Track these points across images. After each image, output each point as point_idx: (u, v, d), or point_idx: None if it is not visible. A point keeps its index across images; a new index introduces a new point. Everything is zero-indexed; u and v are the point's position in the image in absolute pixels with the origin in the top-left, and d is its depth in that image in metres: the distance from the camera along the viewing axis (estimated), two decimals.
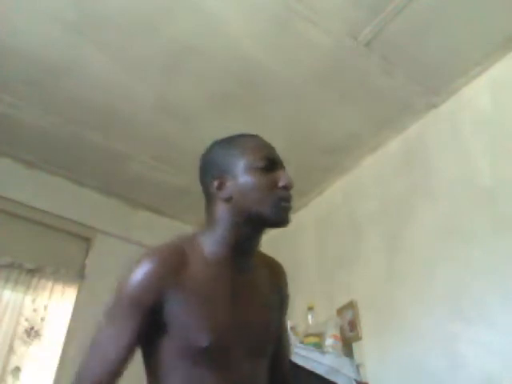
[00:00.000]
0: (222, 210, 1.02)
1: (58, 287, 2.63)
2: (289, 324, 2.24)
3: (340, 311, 2.46)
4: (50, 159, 2.81)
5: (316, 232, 2.95)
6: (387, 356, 2.18)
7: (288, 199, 1.02)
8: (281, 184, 1.01)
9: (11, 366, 2.32)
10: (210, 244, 1.01)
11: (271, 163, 1.04)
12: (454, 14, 2.00)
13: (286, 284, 1.17)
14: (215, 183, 1.03)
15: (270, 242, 3.26)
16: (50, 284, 2.61)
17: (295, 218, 3.20)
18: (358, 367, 2.23)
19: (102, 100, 2.42)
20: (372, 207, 2.59)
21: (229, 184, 1.02)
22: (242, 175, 1.02)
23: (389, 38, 2.10)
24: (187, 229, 3.32)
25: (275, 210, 0.99)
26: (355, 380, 2.15)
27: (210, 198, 1.06)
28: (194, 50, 2.17)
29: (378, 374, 2.18)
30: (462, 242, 2.05)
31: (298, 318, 2.46)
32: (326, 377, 2.07)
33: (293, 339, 2.15)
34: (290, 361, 1.72)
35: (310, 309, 2.47)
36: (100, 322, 0.97)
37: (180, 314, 0.92)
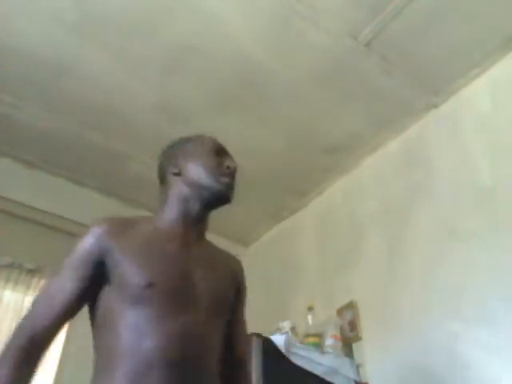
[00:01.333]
0: (172, 185, 1.16)
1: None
2: (288, 324, 2.24)
3: (340, 311, 2.46)
4: (50, 159, 2.81)
5: (316, 232, 2.95)
6: (387, 356, 2.17)
7: (232, 176, 1.17)
8: (226, 163, 1.18)
9: None
10: (161, 218, 1.13)
11: (218, 150, 1.21)
12: (454, 14, 2.00)
13: (243, 276, 1.24)
14: (170, 164, 1.19)
15: (270, 242, 3.28)
16: None
17: (295, 218, 3.20)
18: (357, 367, 2.22)
19: (102, 100, 2.42)
20: (372, 207, 2.59)
21: (181, 163, 1.18)
22: (192, 156, 1.18)
23: (389, 38, 2.10)
24: None
25: (220, 184, 1.14)
26: (355, 380, 2.15)
27: (163, 181, 1.21)
28: (193, 50, 2.18)
29: (377, 374, 2.18)
30: (462, 242, 2.05)
31: (298, 318, 2.45)
32: (326, 377, 2.07)
33: (293, 339, 2.15)
34: (290, 361, 1.73)
35: (310, 309, 2.46)
36: (50, 276, 1.06)
37: (121, 262, 1.00)
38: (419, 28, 2.07)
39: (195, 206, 1.14)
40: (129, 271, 0.99)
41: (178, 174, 1.16)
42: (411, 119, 2.51)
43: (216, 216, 1.22)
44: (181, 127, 2.51)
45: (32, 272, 2.56)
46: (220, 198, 1.16)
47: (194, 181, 1.15)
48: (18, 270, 2.52)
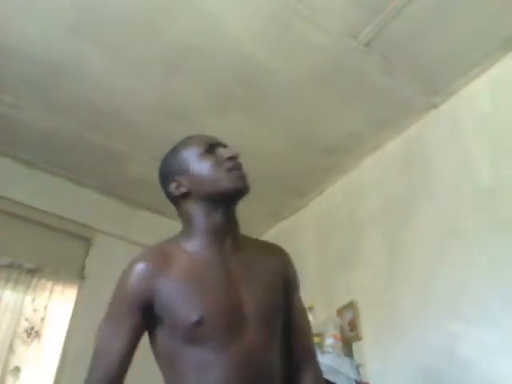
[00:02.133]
0: (187, 207, 1.10)
1: (58, 287, 2.63)
2: None
3: (340, 311, 2.46)
4: (50, 159, 2.81)
5: (316, 232, 2.95)
6: (387, 356, 2.17)
7: (237, 167, 1.10)
8: (226, 156, 1.10)
9: (11, 365, 2.32)
10: (190, 242, 1.07)
11: (211, 145, 1.14)
12: (454, 14, 2.00)
13: (289, 263, 1.18)
14: (173, 186, 1.11)
15: (271, 241, 3.27)
16: (49, 284, 2.60)
17: (295, 218, 3.20)
18: (357, 367, 2.22)
19: (101, 100, 2.42)
20: (372, 207, 2.59)
21: (183, 181, 1.10)
22: (189, 169, 1.11)
23: (389, 38, 2.10)
24: None
25: (229, 182, 1.07)
26: (355, 380, 2.15)
27: (175, 203, 1.14)
28: (194, 50, 2.17)
29: (378, 374, 2.18)
30: (462, 241, 2.05)
31: None
32: (326, 377, 2.07)
33: None
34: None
35: (310, 309, 2.46)
36: (99, 326, 1.03)
37: (169, 302, 0.98)
38: (419, 28, 2.06)
39: (218, 216, 1.08)
40: (177, 311, 0.97)
41: (186, 195, 1.10)
42: (411, 119, 2.51)
43: None
44: (181, 127, 2.50)
45: (32, 272, 2.55)
46: (237, 193, 1.10)
47: (204, 193, 1.08)
48: (17, 270, 2.52)
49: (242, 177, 1.10)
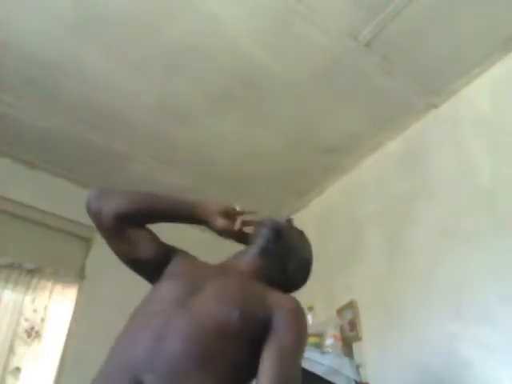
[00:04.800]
0: None
1: (58, 287, 2.62)
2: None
3: (340, 311, 2.46)
4: (50, 159, 2.81)
5: (316, 232, 2.94)
6: (387, 356, 2.17)
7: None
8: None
9: (11, 366, 2.31)
10: None
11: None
12: (454, 14, 2.00)
13: (281, 314, 1.04)
14: None
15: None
16: (49, 284, 2.59)
17: (295, 218, 3.19)
18: (357, 367, 2.22)
19: (102, 100, 2.42)
20: (372, 207, 2.59)
21: None
22: None
23: (389, 38, 2.10)
24: (187, 229, 3.32)
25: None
26: (355, 380, 2.15)
27: None
28: (194, 50, 2.17)
29: (378, 374, 2.18)
30: (462, 241, 2.05)
31: None
32: (326, 377, 2.07)
33: None
34: None
35: (310, 309, 2.46)
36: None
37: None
38: (419, 28, 2.06)
39: None
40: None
41: None
42: (411, 119, 2.51)
43: None
44: (181, 127, 2.51)
45: (32, 272, 2.55)
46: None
47: None
48: (17, 271, 2.52)
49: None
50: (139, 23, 2.07)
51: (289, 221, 1.45)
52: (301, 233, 1.49)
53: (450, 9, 1.98)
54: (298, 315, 1.08)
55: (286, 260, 1.28)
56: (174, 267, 1.18)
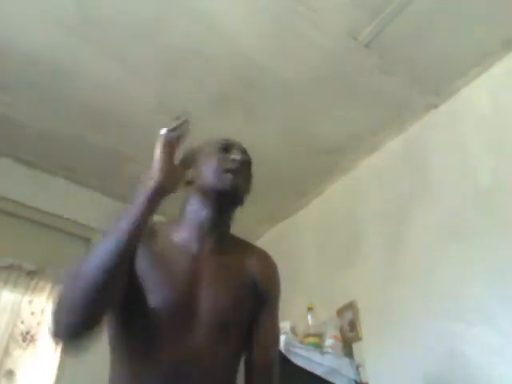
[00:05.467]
0: (186, 196, 1.13)
1: (58, 288, 2.62)
2: (288, 324, 2.24)
3: (340, 312, 2.46)
4: (50, 159, 2.81)
5: (315, 232, 2.95)
6: (387, 356, 2.17)
7: (236, 170, 1.08)
8: (231, 157, 1.10)
9: (5, 368, 2.28)
10: (175, 231, 1.09)
11: (228, 145, 1.15)
12: (454, 14, 2.00)
13: (270, 274, 1.17)
14: (188, 173, 1.12)
15: (271, 242, 3.27)
16: (48, 286, 2.58)
17: (295, 218, 3.20)
18: (357, 368, 2.22)
19: (102, 100, 2.42)
20: (372, 207, 2.59)
21: (192, 170, 1.12)
22: (199, 160, 1.14)
23: (389, 38, 2.10)
24: None
25: (218, 182, 1.07)
26: (355, 380, 2.15)
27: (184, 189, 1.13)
28: (193, 50, 2.17)
29: (378, 374, 2.18)
30: (462, 241, 2.05)
31: (298, 319, 2.45)
32: (326, 377, 2.07)
33: (292, 340, 2.15)
34: (289, 361, 1.69)
35: (310, 309, 2.47)
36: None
37: (141, 274, 0.99)
38: (419, 28, 2.06)
39: (206, 213, 1.08)
40: (143, 289, 0.98)
41: (189, 183, 1.12)
42: (411, 119, 2.51)
43: None
44: None
45: (31, 273, 2.55)
46: (224, 197, 1.08)
47: (201, 185, 1.10)
48: (17, 271, 2.51)
49: (235, 184, 1.08)
50: (139, 25, 2.07)
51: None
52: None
53: (450, 9, 1.98)
54: (276, 272, 1.20)
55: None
56: (145, 269, 1.01)
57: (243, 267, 1.12)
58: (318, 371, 2.07)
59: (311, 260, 2.86)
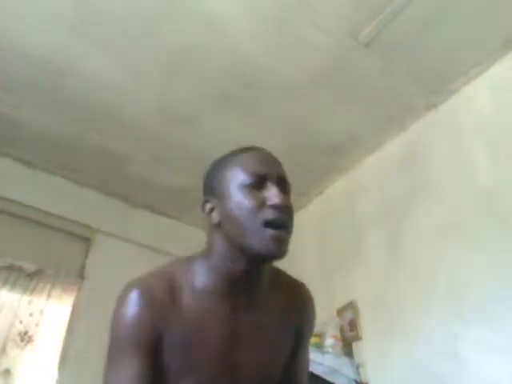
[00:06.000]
0: (215, 237, 0.92)
1: (57, 289, 2.60)
2: None
3: (340, 311, 2.46)
4: (50, 159, 2.81)
5: (316, 232, 2.95)
6: (387, 356, 2.17)
7: (278, 223, 0.87)
8: (269, 203, 0.87)
9: (2, 367, 2.28)
10: (204, 273, 0.91)
11: (261, 179, 0.89)
12: (454, 14, 2.00)
13: (308, 315, 1.06)
14: (207, 206, 0.94)
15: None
16: (48, 286, 2.57)
17: (295, 218, 3.19)
18: (357, 367, 2.23)
19: (102, 100, 2.42)
20: (372, 207, 2.59)
21: (218, 207, 0.91)
22: (229, 197, 0.89)
23: (389, 38, 2.10)
24: (187, 229, 3.33)
25: (262, 241, 0.85)
26: (355, 380, 2.15)
27: (207, 222, 0.95)
28: (193, 50, 2.17)
29: (378, 374, 2.18)
30: (463, 241, 2.05)
31: None
32: (326, 377, 2.07)
33: None
34: None
35: None
36: (104, 371, 0.87)
37: (170, 358, 0.85)
38: (419, 28, 2.06)
39: (241, 266, 0.89)
40: (174, 365, 0.85)
41: (211, 217, 0.92)
42: (411, 119, 2.51)
43: None
44: (181, 127, 2.51)
45: (31, 273, 2.54)
46: (266, 258, 0.89)
47: (232, 235, 0.89)
48: (17, 271, 2.51)
49: (280, 240, 0.87)
50: (139, 24, 2.07)
51: None
52: None
53: (450, 9, 1.98)
54: (314, 311, 1.09)
55: None
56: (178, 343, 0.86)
57: (281, 323, 0.97)
58: (318, 371, 2.07)
59: (311, 259, 2.86)
